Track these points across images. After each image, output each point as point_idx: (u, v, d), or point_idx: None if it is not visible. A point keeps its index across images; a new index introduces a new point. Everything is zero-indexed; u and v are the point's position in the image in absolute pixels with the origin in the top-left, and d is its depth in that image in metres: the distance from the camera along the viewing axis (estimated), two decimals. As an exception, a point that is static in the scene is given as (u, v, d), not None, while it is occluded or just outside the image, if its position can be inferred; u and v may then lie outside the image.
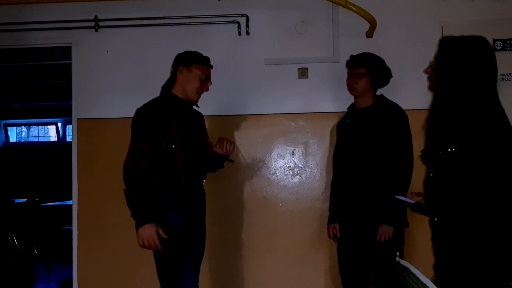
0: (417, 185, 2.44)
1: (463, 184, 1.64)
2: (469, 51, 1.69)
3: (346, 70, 2.70)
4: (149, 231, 2.18)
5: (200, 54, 2.43)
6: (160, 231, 2.21)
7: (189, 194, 2.33)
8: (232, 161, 2.64)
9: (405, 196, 2.16)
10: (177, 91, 2.39)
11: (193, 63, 2.38)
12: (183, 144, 2.29)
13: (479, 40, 1.72)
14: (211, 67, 2.47)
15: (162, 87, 2.44)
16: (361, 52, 2.75)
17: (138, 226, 2.20)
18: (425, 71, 1.87)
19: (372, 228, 2.50)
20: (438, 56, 1.75)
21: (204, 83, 2.41)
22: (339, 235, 2.67)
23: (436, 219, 1.74)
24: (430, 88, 1.84)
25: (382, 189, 2.47)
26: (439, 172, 1.71)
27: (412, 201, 1.99)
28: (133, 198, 2.21)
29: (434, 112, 1.75)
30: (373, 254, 2.53)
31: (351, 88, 2.64)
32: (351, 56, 2.68)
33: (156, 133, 2.26)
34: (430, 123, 1.76)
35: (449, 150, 1.65)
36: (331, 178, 3.11)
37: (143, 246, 2.22)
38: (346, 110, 3.09)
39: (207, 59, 2.44)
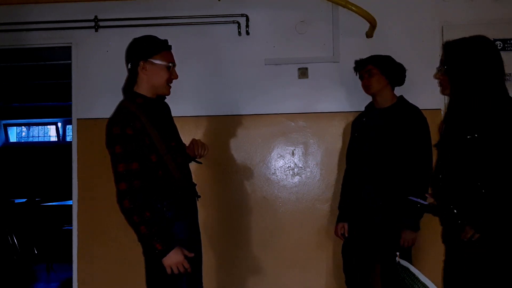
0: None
1: (482, 167, 1.73)
2: (476, 51, 1.79)
3: (358, 76, 2.75)
4: (176, 257, 1.97)
5: (157, 39, 2.13)
6: (185, 252, 2.02)
7: (188, 200, 2.18)
8: (200, 162, 2.42)
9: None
10: (143, 89, 2.09)
11: (154, 54, 2.07)
12: (169, 150, 2.07)
13: (483, 40, 1.81)
14: (171, 47, 2.18)
15: (124, 89, 2.16)
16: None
17: (161, 255, 1.96)
18: (435, 77, 1.93)
19: (383, 229, 2.49)
20: (447, 60, 1.84)
21: (172, 70, 2.12)
22: (347, 235, 2.66)
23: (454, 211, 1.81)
24: (442, 92, 1.92)
25: (399, 191, 2.46)
26: (459, 156, 1.79)
27: (426, 202, 1.99)
28: (144, 228, 1.95)
29: (452, 109, 1.84)
30: (382, 256, 2.53)
31: (366, 88, 2.66)
32: (355, 61, 2.74)
33: (143, 146, 1.99)
34: (448, 118, 1.85)
35: (468, 136, 1.74)
36: (332, 178, 3.13)
37: (172, 273, 2.00)
38: (345, 110, 3.12)
39: (165, 43, 2.14)
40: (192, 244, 2.17)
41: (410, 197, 2.06)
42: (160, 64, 2.08)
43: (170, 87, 2.16)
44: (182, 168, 2.15)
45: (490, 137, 1.72)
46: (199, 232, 2.33)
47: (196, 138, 2.35)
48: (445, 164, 1.87)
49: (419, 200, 2.02)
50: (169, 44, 2.17)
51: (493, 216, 1.72)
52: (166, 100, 2.27)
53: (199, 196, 2.31)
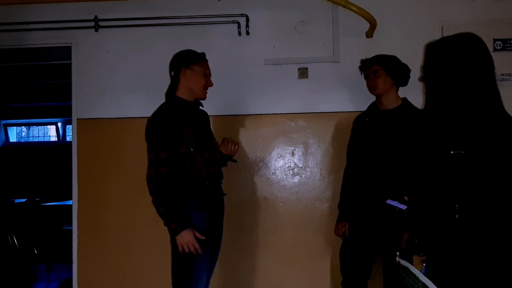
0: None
1: (471, 186, 1.55)
2: (454, 52, 1.61)
3: (363, 76, 2.70)
4: (187, 237, 2.22)
5: (197, 52, 2.48)
6: (197, 234, 2.25)
7: (211, 194, 2.39)
8: (236, 161, 2.66)
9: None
10: (182, 93, 2.42)
11: (194, 62, 2.41)
12: (199, 146, 2.34)
13: (465, 39, 1.62)
14: (207, 61, 2.51)
15: (166, 93, 2.45)
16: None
17: (175, 234, 2.23)
18: (420, 79, 1.81)
19: (385, 229, 2.47)
20: (426, 62, 1.69)
21: (208, 78, 2.46)
22: (347, 234, 2.65)
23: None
24: None
25: (400, 191, 2.44)
26: (440, 174, 1.62)
27: (404, 206, 1.95)
28: (163, 209, 2.23)
29: (427, 116, 1.69)
30: (384, 256, 2.52)
31: (372, 88, 2.61)
32: (361, 60, 2.69)
33: (173, 139, 2.29)
34: (426, 129, 1.70)
35: (452, 152, 1.56)
36: (332, 178, 3.13)
37: (183, 252, 2.24)
38: (345, 110, 3.11)
39: (204, 55, 2.49)
40: (211, 234, 2.35)
41: (388, 201, 2.02)
42: (199, 71, 2.42)
43: (207, 92, 2.49)
44: (208, 163, 2.38)
45: (480, 156, 1.52)
46: (221, 230, 2.52)
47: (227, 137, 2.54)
48: (423, 178, 1.70)
49: (396, 203, 1.99)
50: (204, 56, 2.48)
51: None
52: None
53: (225, 194, 2.53)
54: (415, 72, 2.78)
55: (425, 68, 1.68)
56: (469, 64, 1.58)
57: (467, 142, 1.55)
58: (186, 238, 2.22)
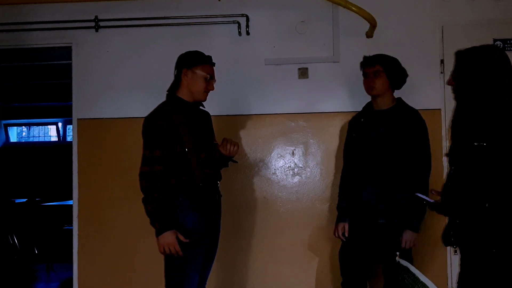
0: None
1: (490, 175, 1.75)
2: (484, 59, 1.85)
3: (361, 72, 2.69)
4: (168, 238, 2.21)
5: (202, 54, 2.43)
6: (180, 236, 2.23)
7: (205, 196, 2.36)
8: (236, 162, 2.62)
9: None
10: (183, 93, 2.39)
11: (196, 64, 2.37)
12: (195, 146, 2.32)
13: (490, 49, 1.91)
14: (214, 64, 2.47)
15: (168, 91, 2.43)
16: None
17: (157, 233, 2.23)
18: (448, 83, 2.00)
19: (386, 230, 2.48)
20: (457, 68, 1.92)
21: (210, 82, 2.42)
22: (347, 235, 2.65)
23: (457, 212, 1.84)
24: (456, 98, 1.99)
25: (400, 191, 2.45)
26: (465, 165, 1.81)
27: (431, 200, 2.03)
28: (150, 207, 2.22)
29: (458, 115, 1.91)
30: (385, 256, 2.52)
31: (369, 88, 2.60)
32: (364, 57, 2.67)
33: (169, 138, 2.27)
34: (455, 124, 1.91)
35: (475, 144, 1.76)
36: (332, 178, 3.13)
37: (164, 253, 2.25)
38: (345, 110, 3.11)
39: (209, 58, 2.44)
40: (204, 237, 2.34)
41: (417, 194, 2.09)
42: (199, 74, 2.37)
43: (207, 95, 2.45)
44: (204, 165, 2.35)
45: (500, 147, 1.72)
46: (217, 231, 2.50)
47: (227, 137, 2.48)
48: (452, 172, 1.88)
49: (425, 197, 2.06)
50: (209, 59, 2.44)
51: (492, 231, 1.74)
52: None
53: (221, 195, 2.50)
54: (413, 72, 2.78)
55: (455, 73, 1.93)
56: (495, 72, 1.82)
57: (489, 135, 1.76)
58: (167, 239, 2.21)
